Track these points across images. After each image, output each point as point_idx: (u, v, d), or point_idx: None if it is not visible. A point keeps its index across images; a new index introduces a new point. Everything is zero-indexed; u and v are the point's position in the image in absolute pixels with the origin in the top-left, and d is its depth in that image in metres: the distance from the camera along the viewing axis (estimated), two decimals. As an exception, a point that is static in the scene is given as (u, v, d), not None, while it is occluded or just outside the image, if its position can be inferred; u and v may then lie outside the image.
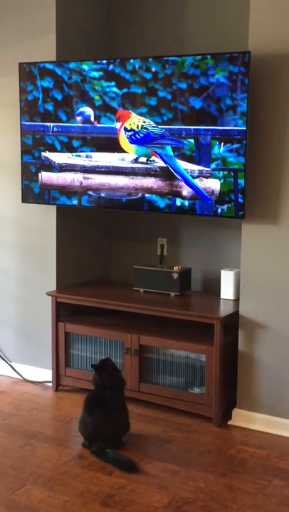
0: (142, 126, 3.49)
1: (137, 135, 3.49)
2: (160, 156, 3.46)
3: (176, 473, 2.94)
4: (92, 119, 3.61)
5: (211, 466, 3.02)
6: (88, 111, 3.63)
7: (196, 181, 3.39)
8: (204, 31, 3.78)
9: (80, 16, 3.90)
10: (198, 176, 3.42)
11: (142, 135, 3.47)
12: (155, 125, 3.47)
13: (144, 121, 3.49)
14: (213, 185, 3.39)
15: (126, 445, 3.17)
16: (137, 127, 3.50)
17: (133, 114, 3.53)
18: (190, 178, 3.41)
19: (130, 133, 3.52)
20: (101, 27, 4.05)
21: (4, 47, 3.97)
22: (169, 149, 3.45)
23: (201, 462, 3.06)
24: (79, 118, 3.67)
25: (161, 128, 3.45)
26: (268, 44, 3.20)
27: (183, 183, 3.44)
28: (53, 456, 3.10)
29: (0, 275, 4.18)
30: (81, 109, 3.66)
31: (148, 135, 3.46)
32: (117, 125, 3.58)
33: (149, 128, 3.47)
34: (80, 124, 3.69)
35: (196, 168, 3.42)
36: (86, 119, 3.61)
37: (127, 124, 3.53)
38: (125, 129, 3.53)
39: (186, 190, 3.47)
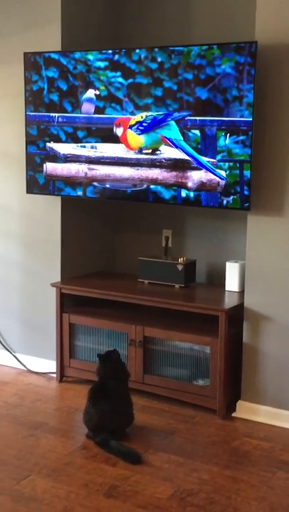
0: (146, 116, 3.47)
1: (143, 123, 3.47)
2: (170, 140, 3.42)
3: (180, 465, 2.94)
4: (92, 95, 3.57)
5: (215, 457, 3.02)
6: (89, 93, 3.60)
7: (209, 163, 3.36)
8: (210, 21, 3.75)
9: (86, 6, 3.88)
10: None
11: (148, 121, 3.45)
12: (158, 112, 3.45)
13: (147, 114, 3.47)
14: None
15: (130, 436, 3.17)
16: (141, 117, 3.48)
17: (131, 117, 3.51)
18: (202, 160, 3.37)
19: (136, 125, 3.50)
20: (106, 16, 4.02)
21: (9, 36, 3.94)
22: (177, 133, 3.41)
23: (205, 454, 3.06)
24: (83, 106, 3.64)
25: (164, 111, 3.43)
26: (275, 34, 3.17)
27: (202, 171, 3.39)
28: (57, 446, 3.10)
29: (4, 266, 4.18)
30: (83, 98, 3.64)
31: (154, 119, 3.44)
32: (119, 131, 3.55)
33: (154, 114, 3.45)
34: (85, 115, 3.67)
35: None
36: (89, 101, 3.58)
37: (131, 123, 3.51)
38: (130, 127, 3.51)
39: (191, 182, 3.45)
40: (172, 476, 2.84)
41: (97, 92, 3.58)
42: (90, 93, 3.62)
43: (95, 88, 3.60)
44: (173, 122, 3.42)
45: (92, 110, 3.63)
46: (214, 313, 3.39)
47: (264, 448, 3.12)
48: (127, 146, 3.57)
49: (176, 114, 3.39)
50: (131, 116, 3.53)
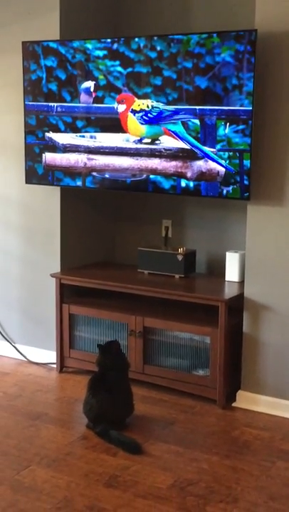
0: (153, 106, 3.44)
1: (149, 114, 3.44)
2: (175, 133, 3.40)
3: (180, 455, 2.94)
4: (92, 89, 3.56)
5: (215, 447, 3.02)
6: (87, 83, 3.58)
7: (215, 156, 3.34)
8: (210, 9, 3.73)
9: (84, -6, 3.85)
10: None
11: (154, 114, 3.42)
12: (164, 105, 3.42)
13: (153, 102, 3.44)
14: (218, 166, 3.35)
15: (130, 426, 3.17)
16: (148, 107, 3.46)
17: (136, 99, 3.48)
18: (209, 152, 3.35)
19: (141, 113, 3.47)
20: (105, 5, 3.99)
21: (7, 25, 3.92)
22: (181, 126, 3.40)
23: (205, 444, 3.06)
24: (81, 96, 3.62)
25: (172, 106, 3.40)
26: (275, 22, 3.15)
27: (202, 161, 3.37)
28: (57, 437, 3.11)
29: (4, 257, 4.17)
30: (82, 86, 3.61)
31: (161, 113, 3.42)
32: (120, 108, 3.53)
33: (160, 107, 3.42)
34: (83, 104, 3.65)
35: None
36: (86, 92, 3.56)
37: (134, 106, 3.48)
38: (134, 112, 3.49)
39: (191, 172, 3.43)
40: (172, 466, 2.84)
41: (94, 94, 3.55)
42: (88, 84, 3.59)
43: (94, 84, 3.57)
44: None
45: (91, 100, 3.61)
46: (214, 304, 3.38)
47: (264, 437, 3.12)
48: (125, 127, 3.54)
49: (183, 115, 3.36)
50: (134, 96, 3.49)
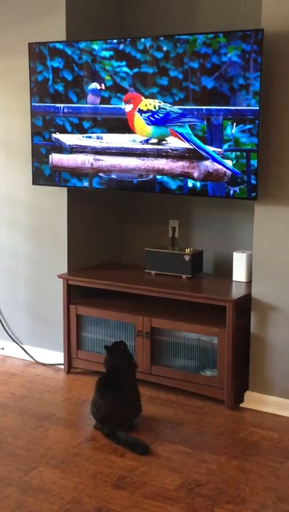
0: (160, 107, 3.44)
1: (156, 115, 3.43)
2: (182, 135, 3.40)
3: (188, 456, 2.94)
4: (98, 87, 3.55)
5: (223, 448, 3.01)
6: (93, 84, 3.57)
7: (221, 159, 3.34)
8: (216, 9, 3.72)
9: (90, -5, 3.85)
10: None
11: (161, 115, 3.42)
12: (171, 105, 3.42)
13: (160, 102, 3.44)
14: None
15: (138, 427, 3.17)
16: (155, 108, 3.45)
17: (143, 98, 3.48)
18: (215, 155, 3.35)
19: (148, 114, 3.46)
20: (111, 6, 3.99)
21: (13, 27, 3.92)
22: (188, 128, 3.40)
23: (213, 444, 3.06)
24: (88, 97, 3.62)
25: (179, 107, 3.40)
26: (282, 21, 3.14)
27: (208, 161, 3.36)
28: (65, 438, 3.11)
29: (11, 257, 4.18)
30: (88, 88, 3.61)
31: (168, 114, 3.41)
32: (127, 107, 3.53)
33: (168, 108, 3.42)
34: (90, 105, 3.65)
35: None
36: (94, 93, 3.56)
37: (142, 106, 3.48)
38: (141, 111, 3.48)
39: (197, 172, 3.43)
40: (180, 467, 2.84)
41: (102, 87, 3.55)
42: (95, 85, 3.59)
43: (100, 82, 3.56)
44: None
45: (98, 101, 3.61)
46: (222, 304, 3.37)
47: (272, 438, 3.11)
48: (132, 126, 3.54)
49: (190, 119, 3.36)
50: (141, 96, 3.49)
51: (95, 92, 3.59)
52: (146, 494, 2.62)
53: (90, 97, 3.62)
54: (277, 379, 3.38)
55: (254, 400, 3.43)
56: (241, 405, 3.45)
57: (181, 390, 3.56)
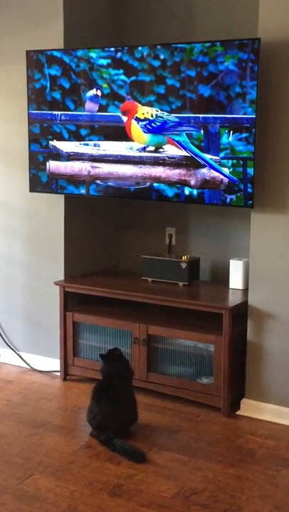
0: (157, 115, 3.45)
1: (152, 124, 3.45)
2: (179, 143, 3.41)
3: (185, 463, 2.93)
4: (95, 92, 3.55)
5: (220, 456, 3.01)
6: (91, 92, 3.58)
7: (220, 166, 3.35)
8: (213, 18, 3.74)
9: (88, 3, 3.87)
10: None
11: (158, 123, 3.43)
12: (168, 114, 3.43)
13: (157, 111, 3.45)
14: (222, 174, 3.36)
15: (134, 435, 3.16)
16: (152, 116, 3.46)
17: (139, 105, 3.49)
18: (213, 163, 3.36)
19: (145, 122, 3.48)
20: (109, 14, 4.01)
21: (11, 34, 3.94)
22: (185, 136, 3.41)
23: (209, 452, 3.05)
24: (86, 105, 3.62)
25: (176, 116, 3.41)
26: (278, 31, 3.16)
27: (205, 169, 3.37)
28: (61, 445, 3.10)
29: (8, 264, 4.18)
30: (86, 96, 3.62)
31: (165, 123, 3.42)
32: (124, 118, 3.54)
33: (164, 116, 3.43)
34: (87, 113, 3.66)
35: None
36: (92, 100, 3.57)
37: (139, 114, 3.49)
38: (138, 119, 3.50)
39: (194, 179, 3.44)
40: (176, 475, 2.83)
41: (98, 93, 3.56)
42: (93, 91, 3.60)
43: (98, 88, 3.58)
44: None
45: (96, 109, 3.62)
46: (218, 311, 3.38)
47: (268, 446, 3.11)
48: (129, 133, 3.55)
49: (186, 128, 3.37)
50: (137, 104, 3.50)
51: (92, 99, 3.60)
52: (142, 502, 2.62)
53: (88, 104, 3.63)
54: (273, 386, 3.38)
55: (250, 408, 3.43)
56: (238, 413, 3.45)
57: (178, 397, 3.55)
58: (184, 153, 3.43)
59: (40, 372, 4.05)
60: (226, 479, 2.80)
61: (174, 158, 3.48)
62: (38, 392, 3.73)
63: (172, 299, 3.53)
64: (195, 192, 3.47)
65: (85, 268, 4.07)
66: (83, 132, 3.70)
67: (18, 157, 4.00)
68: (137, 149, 3.57)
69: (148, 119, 3.48)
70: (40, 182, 3.87)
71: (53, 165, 3.80)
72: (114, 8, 4.03)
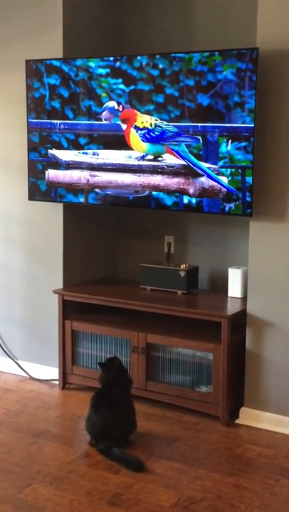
0: (156, 125, 3.46)
1: (151, 133, 3.46)
2: (177, 153, 3.42)
3: (184, 472, 2.92)
4: (116, 107, 3.55)
5: (219, 465, 3.00)
6: (111, 103, 3.58)
7: (218, 176, 3.36)
8: (212, 28, 3.76)
9: (87, 13, 3.89)
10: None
11: (157, 133, 3.44)
12: (167, 123, 3.44)
13: (156, 120, 3.46)
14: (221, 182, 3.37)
15: (133, 444, 3.16)
16: (151, 125, 3.48)
17: (138, 114, 3.51)
18: (211, 173, 3.37)
19: (144, 131, 3.49)
20: (108, 24, 4.03)
21: (11, 44, 3.95)
22: (184, 147, 3.42)
23: (208, 461, 3.05)
24: (104, 113, 3.62)
25: (175, 125, 3.42)
26: (276, 40, 3.17)
27: (204, 178, 3.38)
28: (59, 454, 3.09)
29: (7, 273, 4.18)
30: (105, 105, 3.60)
31: (163, 133, 3.44)
32: (123, 126, 3.56)
33: (163, 126, 3.44)
34: (86, 122, 3.67)
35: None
36: (111, 112, 3.56)
37: (138, 123, 3.51)
38: (137, 128, 3.51)
39: (193, 188, 3.45)
40: (175, 484, 2.82)
41: (120, 108, 3.54)
42: (113, 104, 3.58)
43: (119, 102, 3.56)
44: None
45: (112, 119, 3.61)
46: (217, 320, 3.38)
47: (267, 455, 3.10)
48: (128, 143, 3.56)
49: (185, 138, 3.38)
50: (136, 112, 3.51)
51: (112, 110, 3.59)
52: (141, 511, 2.60)
53: (106, 114, 3.61)
54: (272, 395, 3.37)
55: (249, 417, 3.43)
56: (236, 421, 3.44)
57: (177, 406, 3.55)
58: (183, 162, 3.45)
59: (39, 380, 4.04)
60: (225, 488, 2.79)
61: (172, 166, 3.49)
62: (36, 401, 3.72)
63: (171, 308, 3.53)
64: (194, 200, 3.48)
65: (83, 276, 4.07)
66: (82, 141, 3.71)
67: (17, 166, 4.01)
68: (136, 158, 3.58)
69: (147, 128, 3.49)
70: (39, 190, 3.87)
71: (52, 173, 3.81)
72: (113, 17, 4.06)
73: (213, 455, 3.11)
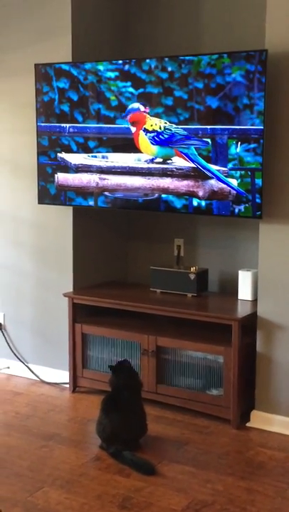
0: (165, 127, 3.46)
1: (160, 136, 3.46)
2: (186, 155, 3.42)
3: (194, 476, 2.91)
4: (142, 109, 3.54)
5: (230, 468, 2.99)
6: (136, 104, 3.55)
7: (227, 178, 3.35)
8: (220, 30, 3.76)
9: (96, 17, 3.90)
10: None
11: (166, 136, 3.44)
12: (176, 126, 3.44)
13: (166, 123, 3.46)
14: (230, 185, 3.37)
15: (143, 447, 3.15)
16: (160, 128, 3.48)
17: (148, 116, 3.51)
18: (220, 175, 3.37)
19: (153, 134, 3.49)
20: (117, 27, 4.04)
21: (20, 48, 3.97)
22: (193, 149, 3.42)
23: (219, 465, 3.03)
24: (129, 116, 3.59)
25: (184, 128, 3.42)
26: (285, 42, 3.17)
27: (213, 180, 3.38)
28: (70, 458, 3.09)
29: (17, 276, 4.19)
30: (129, 107, 3.58)
31: (173, 136, 3.44)
32: (132, 129, 3.56)
33: (173, 129, 3.44)
34: (95, 125, 3.68)
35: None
36: (135, 112, 3.53)
37: (147, 126, 3.51)
38: (146, 131, 3.51)
39: (202, 191, 3.44)
40: (186, 487, 2.81)
41: (147, 109, 3.53)
42: (138, 106, 3.56)
43: (143, 104, 3.54)
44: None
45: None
46: (227, 323, 3.37)
47: (279, 458, 3.09)
48: (137, 145, 3.56)
49: (194, 142, 3.38)
50: (146, 115, 3.51)
51: (136, 110, 3.56)
52: (152, 515, 2.60)
53: (130, 117, 3.58)
54: (283, 398, 3.36)
55: (260, 420, 3.41)
56: (247, 425, 3.43)
57: (187, 409, 3.54)
58: (192, 164, 3.44)
59: (49, 384, 4.04)
60: (237, 492, 2.78)
61: (182, 169, 3.49)
62: (46, 404, 3.73)
63: (181, 310, 3.52)
64: (203, 203, 3.47)
65: (93, 279, 4.07)
66: (91, 144, 3.72)
67: (27, 169, 4.02)
68: (145, 161, 3.58)
69: (156, 131, 3.49)
70: (49, 194, 3.88)
71: (61, 177, 3.82)
72: (121, 21, 4.06)
73: (224, 458, 3.09)
